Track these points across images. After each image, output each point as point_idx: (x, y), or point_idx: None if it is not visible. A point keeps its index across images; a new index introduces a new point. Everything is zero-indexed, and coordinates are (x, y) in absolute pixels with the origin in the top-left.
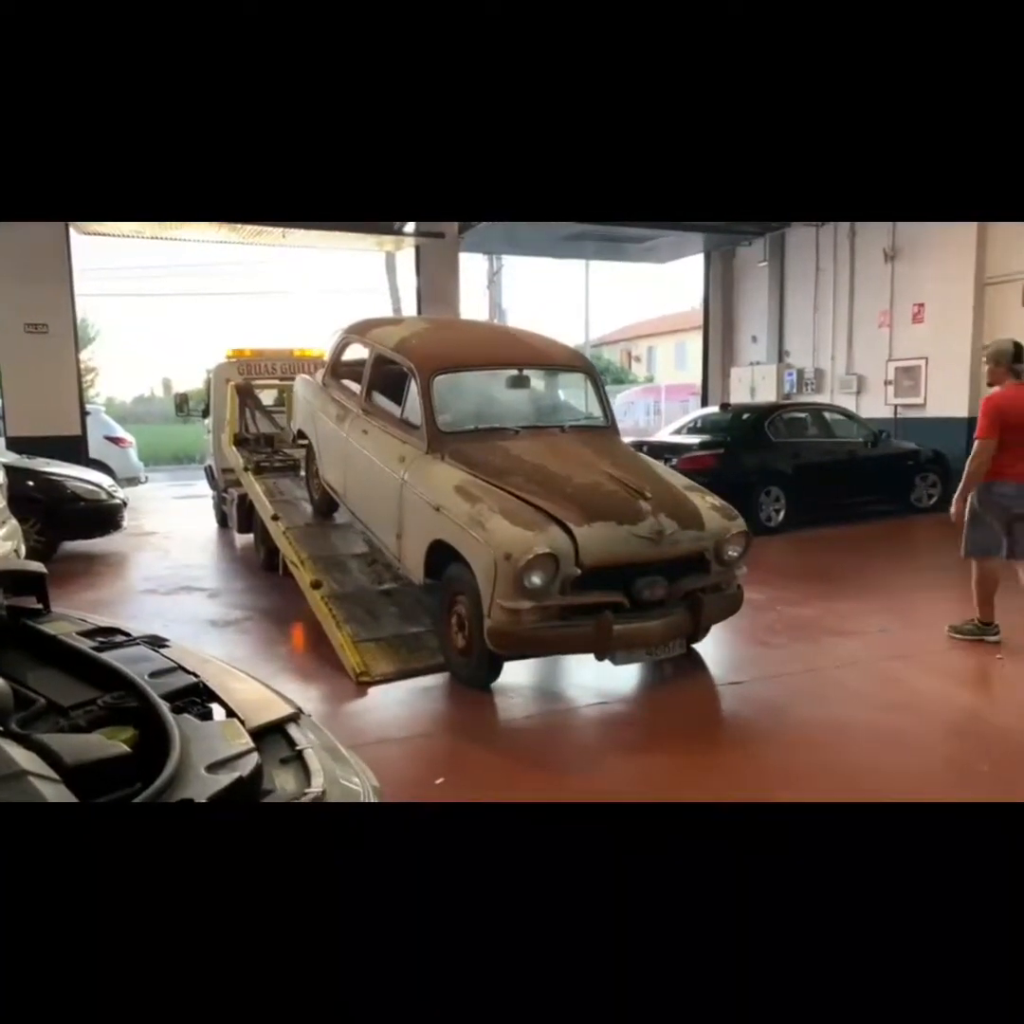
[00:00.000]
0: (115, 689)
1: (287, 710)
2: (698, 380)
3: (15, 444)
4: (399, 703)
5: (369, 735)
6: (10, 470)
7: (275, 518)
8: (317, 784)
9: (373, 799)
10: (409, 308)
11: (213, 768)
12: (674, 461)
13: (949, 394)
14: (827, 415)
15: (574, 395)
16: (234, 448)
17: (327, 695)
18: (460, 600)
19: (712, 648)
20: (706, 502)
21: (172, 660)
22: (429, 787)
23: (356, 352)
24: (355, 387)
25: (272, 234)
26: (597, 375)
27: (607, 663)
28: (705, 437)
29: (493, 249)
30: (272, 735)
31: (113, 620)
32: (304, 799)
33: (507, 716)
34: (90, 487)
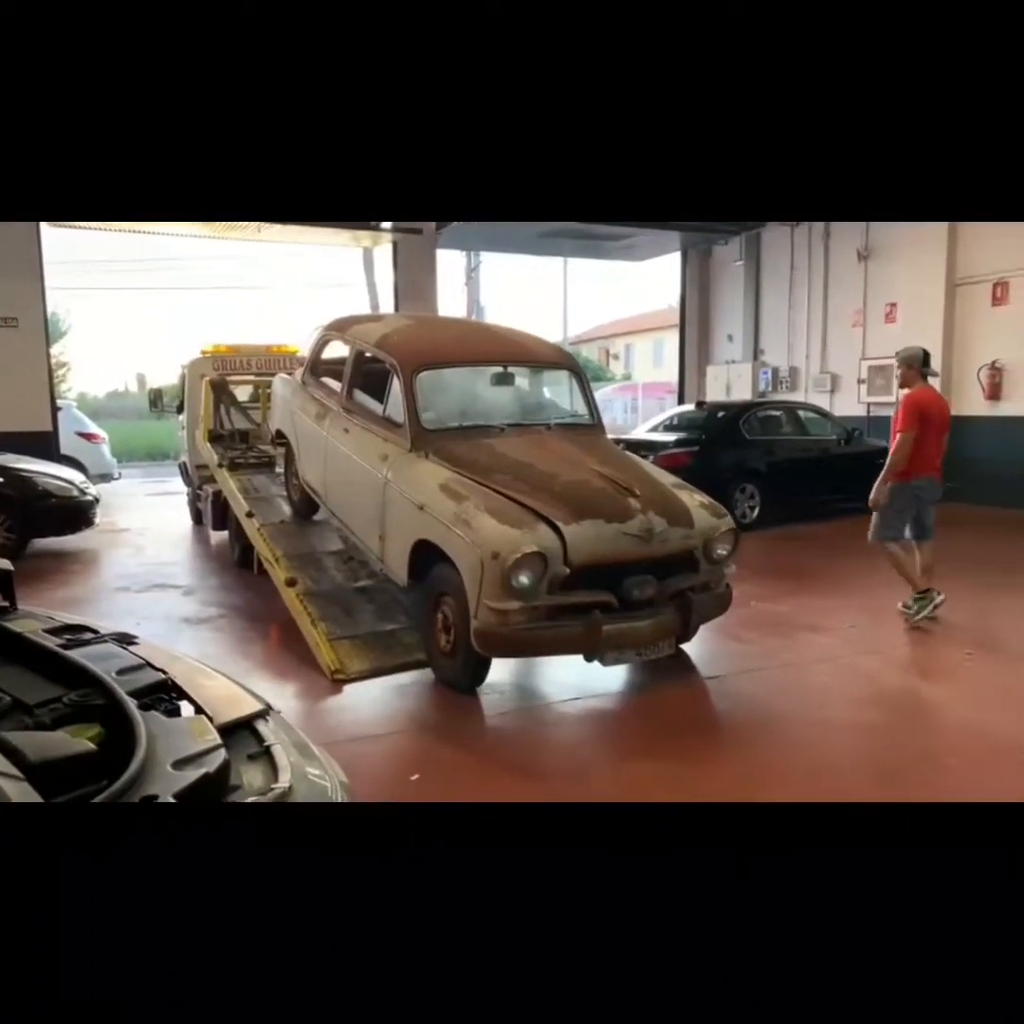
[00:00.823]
0: (82, 686)
1: (256, 706)
2: (675, 378)
3: None
4: (375, 700)
5: (344, 733)
6: None
7: (250, 515)
8: (284, 780)
9: (341, 794)
10: (386, 304)
11: (180, 764)
12: (651, 458)
13: None
14: (801, 413)
15: (559, 393)
16: (209, 444)
17: (302, 693)
18: (445, 601)
19: (689, 643)
20: (694, 500)
21: (140, 657)
22: (404, 784)
23: (336, 350)
24: (335, 385)
25: (247, 229)
26: (582, 373)
27: (583, 658)
28: (681, 435)
29: (471, 246)
30: (240, 731)
31: (82, 618)
32: (271, 794)
33: (483, 713)
34: (61, 483)
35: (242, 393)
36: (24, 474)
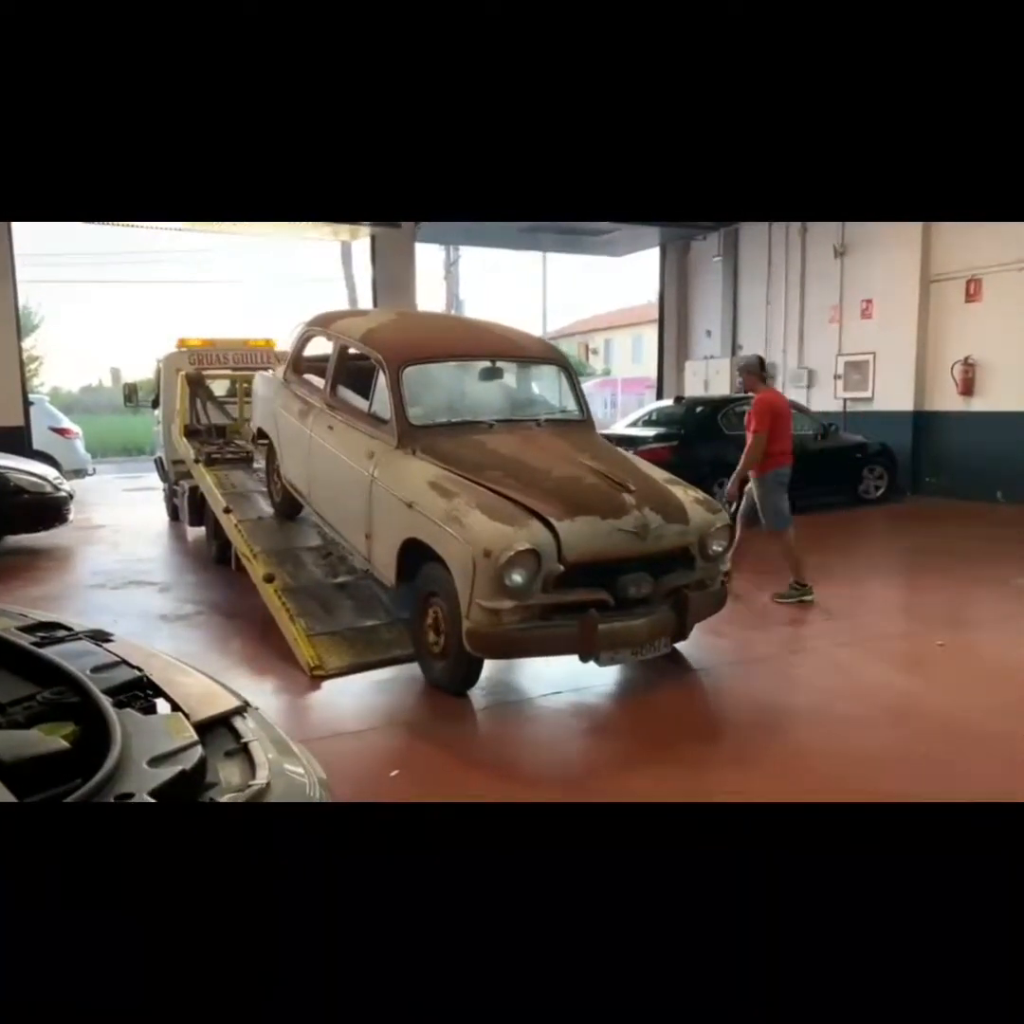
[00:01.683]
0: (55, 685)
1: (233, 703)
2: (654, 373)
3: None
4: (354, 696)
5: (323, 729)
6: None
7: (227, 511)
8: (262, 776)
9: (320, 791)
10: (365, 298)
11: (156, 762)
12: (630, 453)
13: (895, 388)
14: None
15: (547, 388)
16: (185, 439)
17: (281, 689)
18: (435, 601)
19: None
20: (689, 495)
21: (116, 654)
22: (384, 780)
23: (319, 347)
24: (319, 382)
25: (224, 221)
26: (571, 368)
27: (578, 659)
28: (660, 429)
29: (449, 240)
30: (217, 728)
31: (57, 615)
32: (248, 791)
33: (464, 708)
34: (34, 479)
35: (219, 388)
36: None
